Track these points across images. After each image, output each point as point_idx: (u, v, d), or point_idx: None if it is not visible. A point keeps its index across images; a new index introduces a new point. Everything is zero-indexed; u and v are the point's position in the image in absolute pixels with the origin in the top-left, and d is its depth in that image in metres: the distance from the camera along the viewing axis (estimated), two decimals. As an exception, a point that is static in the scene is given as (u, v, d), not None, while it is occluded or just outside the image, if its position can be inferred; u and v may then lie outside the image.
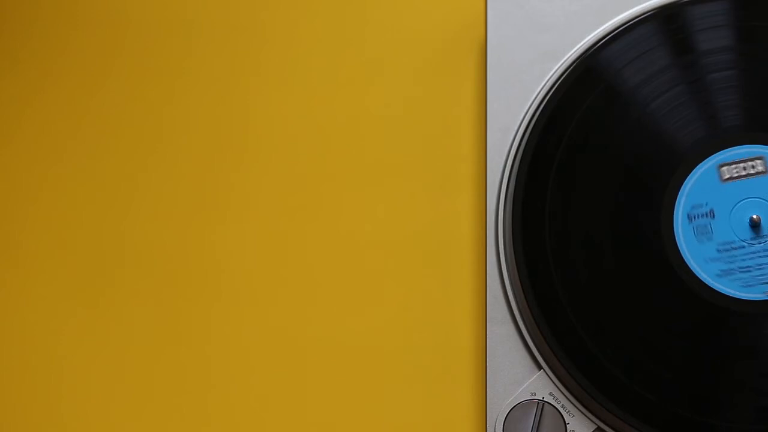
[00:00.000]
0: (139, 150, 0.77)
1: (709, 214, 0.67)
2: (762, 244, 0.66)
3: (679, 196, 0.67)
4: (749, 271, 0.66)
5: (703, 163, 0.67)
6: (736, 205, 0.67)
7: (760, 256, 0.66)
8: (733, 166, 0.67)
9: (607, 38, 0.70)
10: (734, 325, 0.66)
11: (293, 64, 0.77)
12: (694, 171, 0.67)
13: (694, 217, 0.67)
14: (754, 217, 0.67)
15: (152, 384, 0.73)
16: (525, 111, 0.70)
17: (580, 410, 0.67)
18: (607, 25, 0.70)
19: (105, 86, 0.78)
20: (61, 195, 0.76)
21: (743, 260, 0.66)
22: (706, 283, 0.66)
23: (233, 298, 0.74)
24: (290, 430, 0.72)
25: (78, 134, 0.77)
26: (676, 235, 0.67)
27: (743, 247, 0.66)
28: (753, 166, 0.67)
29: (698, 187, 0.67)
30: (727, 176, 0.67)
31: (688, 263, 0.66)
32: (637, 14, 0.70)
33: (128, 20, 0.79)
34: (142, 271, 0.75)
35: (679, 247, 0.66)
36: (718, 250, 0.66)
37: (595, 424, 0.67)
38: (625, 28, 0.70)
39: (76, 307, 0.75)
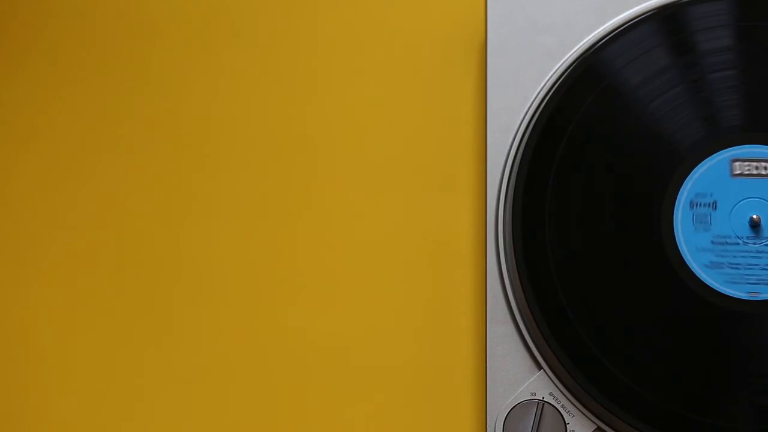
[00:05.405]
0: (137, 151, 0.77)
1: (711, 205, 0.67)
2: (757, 245, 0.66)
3: (679, 194, 0.67)
4: (738, 269, 0.66)
5: (714, 155, 0.67)
6: (739, 201, 0.67)
7: (752, 256, 0.66)
8: (746, 163, 0.67)
9: (607, 38, 0.70)
10: (718, 320, 0.66)
11: (293, 65, 0.77)
12: (699, 166, 0.67)
13: (696, 205, 0.67)
14: (755, 217, 0.67)
15: (153, 385, 0.74)
16: (525, 111, 0.70)
17: (580, 410, 0.67)
18: (607, 25, 0.70)
19: (101, 84, 0.78)
20: (63, 197, 0.77)
21: (734, 257, 0.66)
22: (693, 270, 0.66)
23: (231, 299, 0.74)
24: (290, 430, 0.72)
25: (84, 137, 0.78)
26: (674, 224, 0.67)
27: (738, 244, 0.66)
28: (765, 167, 0.67)
29: (707, 177, 0.67)
30: (738, 172, 0.67)
31: (680, 248, 0.66)
32: (637, 14, 0.70)
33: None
34: (141, 272, 0.75)
35: (675, 232, 0.66)
36: (713, 242, 0.66)
37: (595, 424, 0.67)
38: (625, 28, 0.69)
39: (77, 309, 0.75)
